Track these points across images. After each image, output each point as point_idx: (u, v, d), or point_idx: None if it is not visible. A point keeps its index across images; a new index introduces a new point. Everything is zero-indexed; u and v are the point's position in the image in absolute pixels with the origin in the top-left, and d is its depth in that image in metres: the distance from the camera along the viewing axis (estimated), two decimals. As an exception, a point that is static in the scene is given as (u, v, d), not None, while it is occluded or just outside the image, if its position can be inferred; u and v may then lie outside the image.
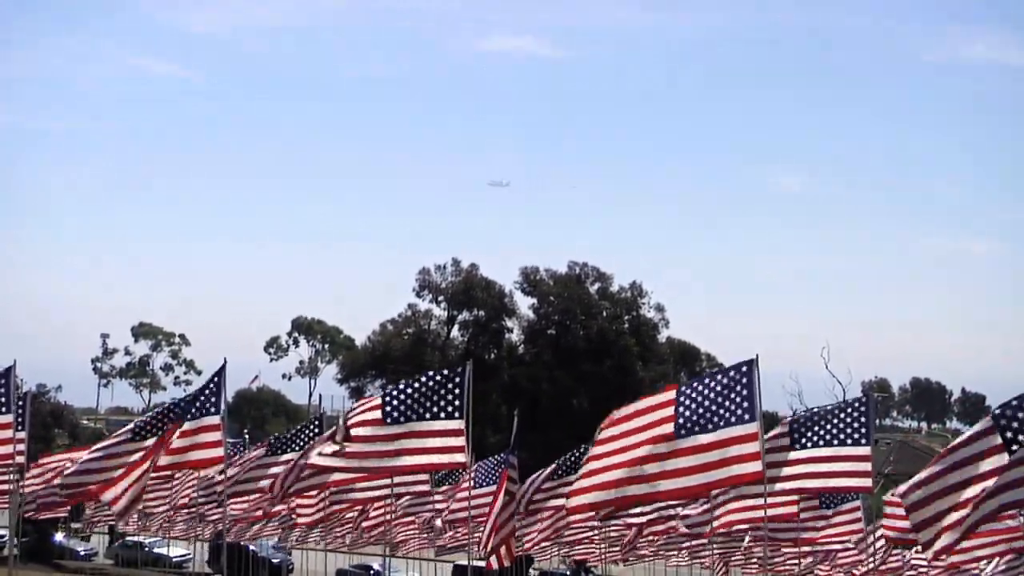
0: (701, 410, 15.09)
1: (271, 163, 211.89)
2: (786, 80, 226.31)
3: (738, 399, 14.92)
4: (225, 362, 20.96)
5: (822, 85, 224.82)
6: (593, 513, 20.93)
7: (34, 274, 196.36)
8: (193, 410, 20.74)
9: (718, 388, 15.08)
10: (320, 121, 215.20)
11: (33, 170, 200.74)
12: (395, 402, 18.84)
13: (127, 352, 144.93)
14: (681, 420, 15.15)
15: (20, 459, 24.70)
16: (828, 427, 18.43)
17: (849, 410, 18.55)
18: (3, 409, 22.46)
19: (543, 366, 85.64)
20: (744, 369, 15.06)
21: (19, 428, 24.46)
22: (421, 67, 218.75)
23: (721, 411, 15.00)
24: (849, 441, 18.24)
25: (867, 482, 18.44)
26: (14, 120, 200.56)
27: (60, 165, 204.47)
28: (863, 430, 18.12)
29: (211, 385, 20.82)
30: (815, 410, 19.74)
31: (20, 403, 25.96)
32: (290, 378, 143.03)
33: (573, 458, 24.55)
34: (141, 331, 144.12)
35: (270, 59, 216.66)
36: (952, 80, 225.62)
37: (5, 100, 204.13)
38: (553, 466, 25.44)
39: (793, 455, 18.49)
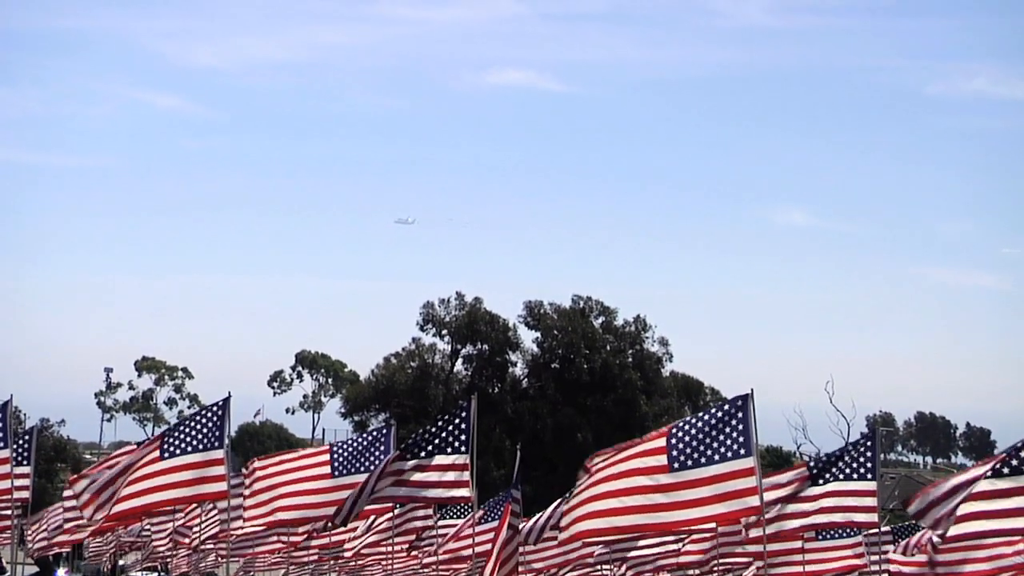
0: (695, 443, 15.21)
1: (274, 197, 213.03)
2: (789, 115, 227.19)
3: (734, 434, 15.04)
4: (229, 396, 21.11)
5: (825, 120, 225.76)
6: (591, 548, 21.00)
7: (37, 308, 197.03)
8: (195, 443, 20.77)
9: (712, 422, 15.21)
10: (323, 156, 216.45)
11: (36, 205, 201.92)
12: (410, 441, 19.15)
13: (130, 386, 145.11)
14: (675, 453, 15.27)
15: (23, 494, 24.66)
16: (840, 465, 18.53)
17: (857, 446, 18.68)
18: (1, 444, 22.39)
19: (547, 400, 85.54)
20: (740, 403, 15.21)
21: (21, 463, 24.56)
22: (423, 101, 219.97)
23: (716, 445, 15.12)
24: (855, 476, 18.36)
25: (872, 517, 18.56)
26: (15, 156, 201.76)
27: (62, 200, 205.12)
28: (868, 464, 18.23)
29: (214, 418, 20.88)
30: (829, 453, 19.89)
31: (25, 438, 26.10)
32: (293, 412, 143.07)
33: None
34: (144, 365, 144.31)
35: (274, 94, 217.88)
36: (954, 113, 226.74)
37: (7, 136, 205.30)
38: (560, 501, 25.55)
39: (804, 494, 18.61)
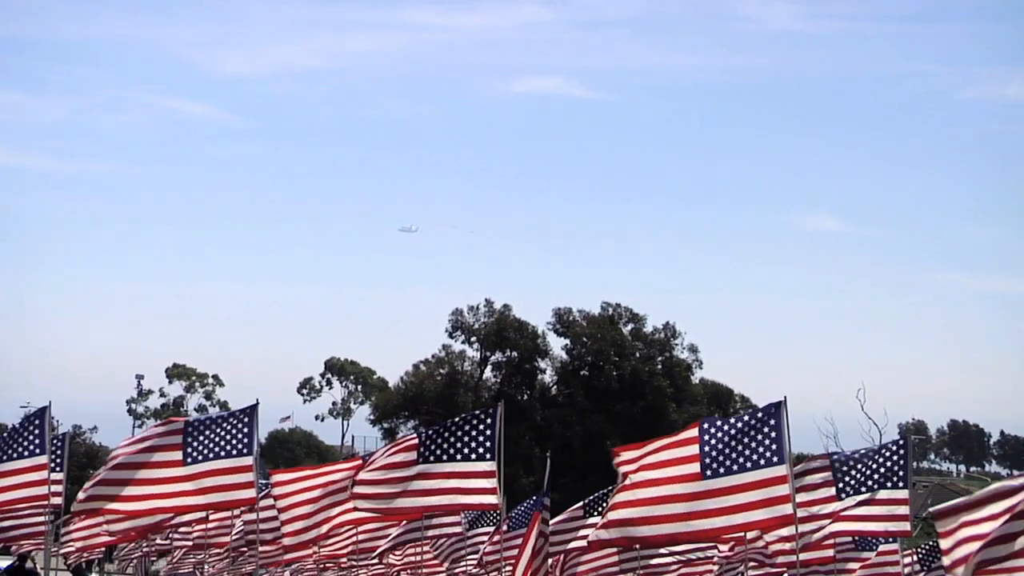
0: (727, 450, 15.11)
1: (303, 204, 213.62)
2: (818, 121, 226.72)
3: (767, 441, 14.92)
4: (257, 403, 21.03)
5: (855, 126, 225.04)
6: (616, 553, 20.86)
7: (69, 315, 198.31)
8: (222, 449, 20.61)
9: (745, 429, 15.09)
10: (351, 162, 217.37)
11: (66, 213, 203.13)
12: (428, 442, 18.93)
13: (161, 393, 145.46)
14: (707, 460, 15.16)
15: (57, 500, 24.80)
16: (866, 471, 18.29)
17: (887, 453, 18.42)
18: (37, 451, 22.45)
19: (575, 407, 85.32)
20: (773, 411, 15.08)
21: (55, 469, 24.63)
22: (449, 109, 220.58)
23: (748, 452, 15.00)
24: (888, 484, 18.13)
25: (905, 526, 18.30)
26: (48, 164, 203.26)
27: (93, 207, 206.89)
28: (901, 473, 17.97)
29: (240, 424, 20.73)
30: (853, 452, 19.62)
31: (57, 445, 26.16)
32: (323, 419, 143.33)
33: (599, 497, 24.55)
34: (175, 372, 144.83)
35: (303, 101, 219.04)
36: (986, 119, 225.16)
37: (40, 144, 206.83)
38: (581, 505, 25.43)
39: (830, 496, 18.38)
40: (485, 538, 28.89)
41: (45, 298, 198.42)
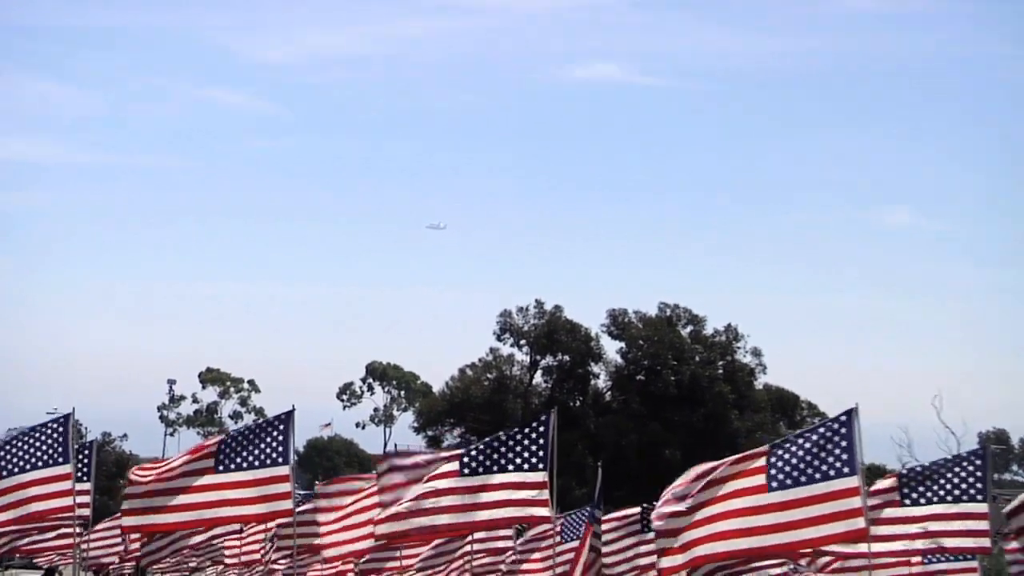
0: (795, 461, 15.04)
1: (344, 200, 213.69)
2: (891, 110, 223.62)
3: (837, 451, 14.80)
4: (292, 409, 21.07)
5: (929, 115, 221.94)
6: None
7: (98, 317, 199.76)
8: (256, 458, 20.63)
9: (815, 439, 14.97)
10: (396, 155, 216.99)
11: (94, 210, 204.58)
12: (474, 452, 18.91)
13: (194, 399, 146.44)
14: (774, 471, 15.08)
15: (84, 511, 24.93)
16: (942, 482, 18.09)
17: (965, 464, 18.20)
18: (61, 459, 22.36)
19: (631, 415, 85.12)
20: (843, 419, 14.94)
21: (82, 479, 24.77)
22: (503, 97, 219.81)
23: (818, 463, 14.90)
24: (965, 498, 17.98)
25: (985, 542, 18.09)
26: (78, 157, 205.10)
27: (122, 204, 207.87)
28: (980, 485, 17.77)
29: (275, 432, 20.75)
30: (927, 464, 19.40)
31: (85, 453, 26.33)
32: (364, 427, 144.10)
33: (646, 512, 24.48)
34: (208, 377, 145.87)
35: (345, 90, 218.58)
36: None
37: (65, 138, 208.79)
38: (636, 516, 25.39)
39: (903, 512, 18.18)
40: (531, 552, 28.88)
41: (70, 299, 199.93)
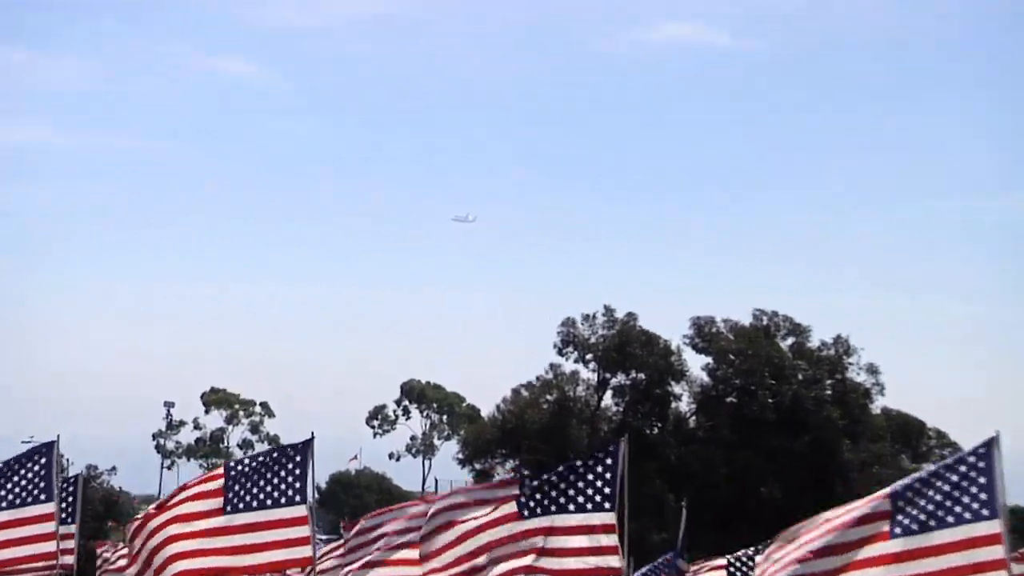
0: (923, 502, 14.94)
1: (373, 190, 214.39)
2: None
3: (974, 490, 14.69)
4: (312, 437, 21.11)
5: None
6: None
7: (80, 328, 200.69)
8: (269, 496, 20.63)
9: (946, 475, 14.87)
10: (432, 139, 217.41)
11: (75, 202, 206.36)
12: (530, 491, 18.86)
13: (196, 425, 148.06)
14: (899, 516, 15.00)
15: (68, 559, 25.00)
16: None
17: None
18: (42, 496, 22.43)
19: (720, 444, 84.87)
20: (981, 451, 14.80)
21: (66, 520, 24.87)
22: (564, 68, 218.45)
23: (950, 504, 14.83)
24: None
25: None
26: (53, 141, 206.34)
27: (108, 195, 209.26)
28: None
29: (291, 465, 20.73)
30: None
31: (69, 489, 26.39)
32: (399, 458, 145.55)
33: (747, 558, 24.45)
34: (213, 399, 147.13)
35: (370, 60, 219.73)
36: None
37: (43, 117, 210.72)
38: (717, 563, 25.37)
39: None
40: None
41: (49, 306, 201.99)
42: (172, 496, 21.66)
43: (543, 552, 18.68)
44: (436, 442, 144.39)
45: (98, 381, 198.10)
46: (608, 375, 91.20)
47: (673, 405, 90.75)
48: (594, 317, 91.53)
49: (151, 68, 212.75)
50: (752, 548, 24.97)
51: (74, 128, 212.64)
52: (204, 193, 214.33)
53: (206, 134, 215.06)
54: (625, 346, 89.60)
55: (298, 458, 20.82)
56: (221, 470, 21.49)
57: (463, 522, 19.03)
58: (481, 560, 18.77)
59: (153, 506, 21.89)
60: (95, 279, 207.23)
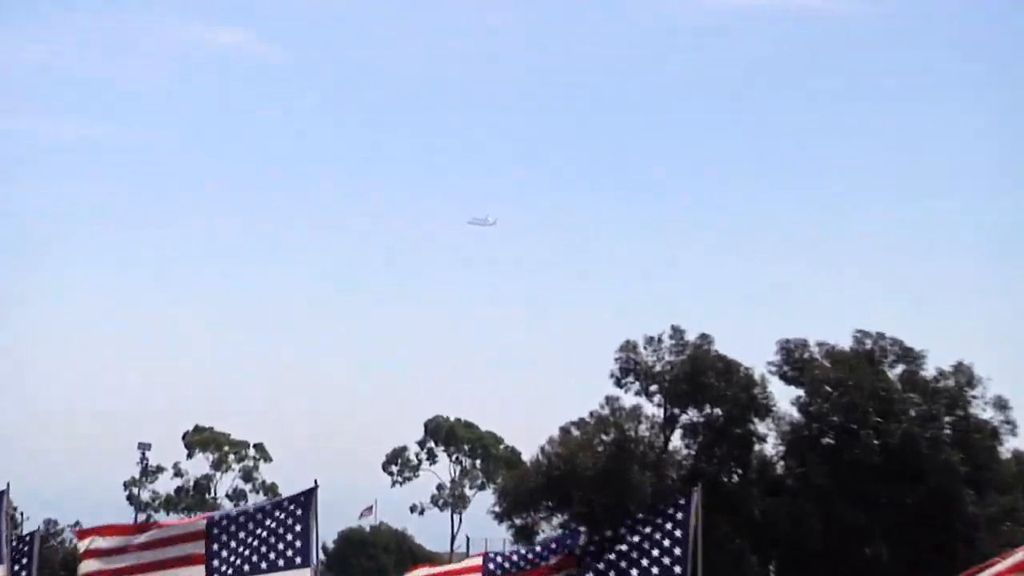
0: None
1: (386, 187, 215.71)
2: None
3: None
4: (316, 486, 21.19)
5: None
6: None
7: (40, 357, 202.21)
8: (265, 558, 20.71)
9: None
10: (456, 123, 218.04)
11: (40, 203, 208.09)
12: (590, 558, 18.98)
13: (177, 471, 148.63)
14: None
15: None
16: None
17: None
18: (-8, 556, 22.86)
19: (815, 494, 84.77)
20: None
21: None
22: (617, 37, 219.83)
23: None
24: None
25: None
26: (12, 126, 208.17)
27: (75, 195, 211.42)
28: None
29: (290, 520, 20.79)
30: None
31: (24, 549, 26.57)
32: (422, 512, 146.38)
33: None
34: (197, 440, 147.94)
35: (377, 24, 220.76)
36: None
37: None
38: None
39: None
40: None
41: (16, 335, 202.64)
42: (138, 541, 21.59)
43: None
44: (467, 492, 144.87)
45: (58, 418, 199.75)
46: (677, 410, 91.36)
47: (757, 447, 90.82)
48: (659, 340, 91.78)
49: (119, 41, 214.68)
50: None
51: (23, 112, 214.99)
52: (196, 193, 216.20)
53: (182, 120, 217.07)
54: (698, 375, 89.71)
55: (299, 512, 20.93)
56: (202, 524, 21.48)
57: None
58: None
59: (107, 542, 21.73)
60: (56, 301, 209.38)
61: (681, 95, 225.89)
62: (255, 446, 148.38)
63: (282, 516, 20.99)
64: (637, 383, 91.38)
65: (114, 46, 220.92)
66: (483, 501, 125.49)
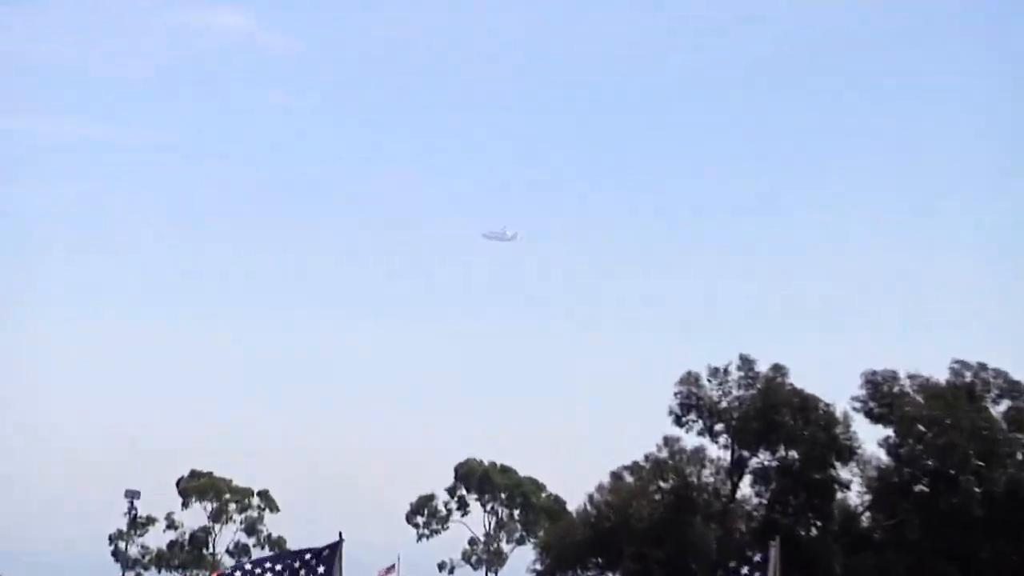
0: None
1: (406, 199, 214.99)
2: None
3: None
4: (341, 539, 21.28)
5: None
6: None
7: (11, 386, 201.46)
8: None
9: None
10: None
11: (17, 217, 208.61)
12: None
13: (170, 523, 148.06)
14: None
15: None
16: None
17: None
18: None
19: (906, 549, 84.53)
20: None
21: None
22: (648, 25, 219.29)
23: None
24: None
25: None
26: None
27: (61, 205, 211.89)
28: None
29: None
30: None
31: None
32: (452, 569, 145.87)
33: None
34: (194, 487, 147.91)
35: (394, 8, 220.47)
36: None
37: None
38: None
39: None
40: None
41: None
42: None
43: None
44: (504, 547, 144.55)
45: (34, 459, 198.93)
46: (746, 453, 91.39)
47: (839, 496, 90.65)
48: (726, 372, 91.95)
49: (110, 29, 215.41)
50: None
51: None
52: (178, 201, 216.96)
53: (180, 118, 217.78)
54: (770, 412, 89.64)
55: (321, 568, 20.95)
56: None
57: None
58: None
59: None
60: (32, 326, 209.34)
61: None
62: (260, 494, 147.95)
63: (303, 572, 21.01)
64: (700, 421, 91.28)
65: (114, 40, 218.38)
66: (522, 557, 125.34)
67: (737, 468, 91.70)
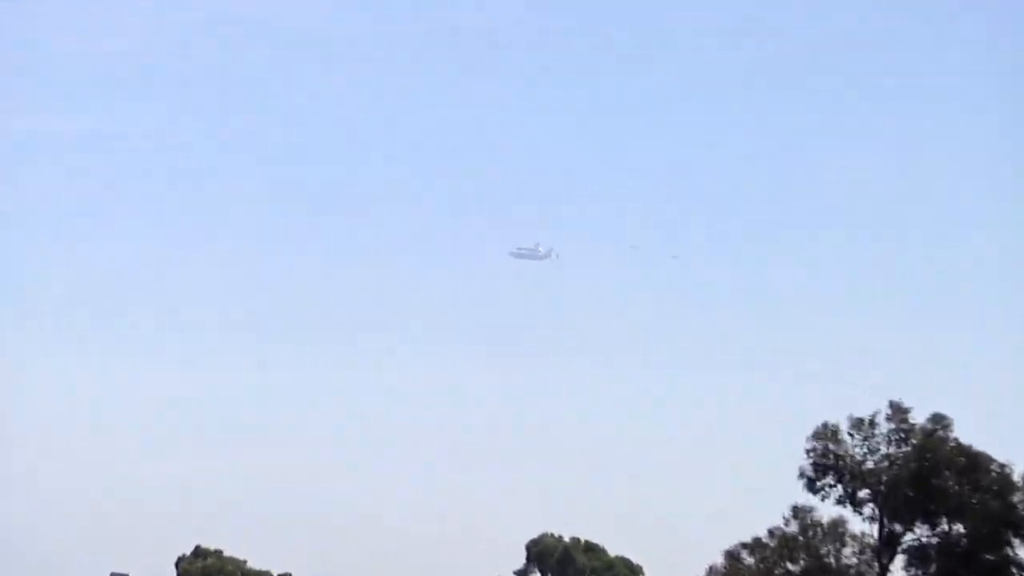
0: None
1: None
2: None
3: None
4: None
5: None
6: None
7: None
8: None
9: None
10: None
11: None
12: None
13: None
14: None
15: None
16: None
17: None
18: None
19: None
20: None
21: None
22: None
23: None
24: None
25: None
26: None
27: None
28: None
29: None
30: None
31: None
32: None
33: None
34: (198, 568, 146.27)
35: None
36: None
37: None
38: None
39: None
40: None
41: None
42: None
43: None
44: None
45: (13, 536, 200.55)
46: (899, 527, 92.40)
47: (1016, 575, 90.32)
48: (872, 423, 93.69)
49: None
50: None
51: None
52: (169, 211, 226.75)
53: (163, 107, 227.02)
54: (929, 475, 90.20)
55: None
56: None
57: None
58: None
59: None
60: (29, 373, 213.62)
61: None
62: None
63: None
64: (839, 486, 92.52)
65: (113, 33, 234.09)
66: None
67: (887, 546, 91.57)
